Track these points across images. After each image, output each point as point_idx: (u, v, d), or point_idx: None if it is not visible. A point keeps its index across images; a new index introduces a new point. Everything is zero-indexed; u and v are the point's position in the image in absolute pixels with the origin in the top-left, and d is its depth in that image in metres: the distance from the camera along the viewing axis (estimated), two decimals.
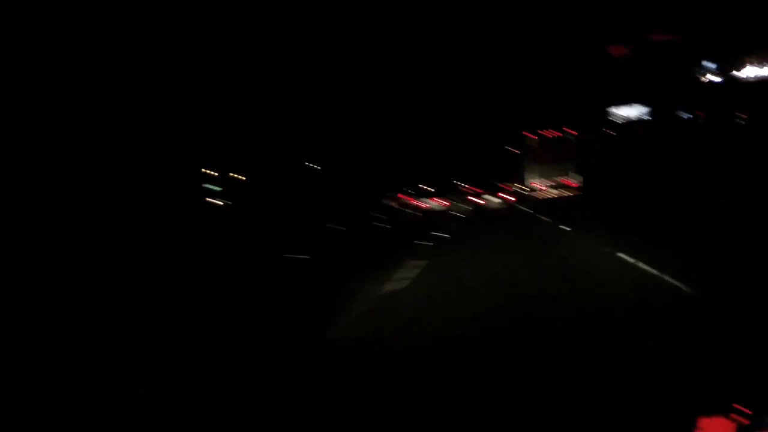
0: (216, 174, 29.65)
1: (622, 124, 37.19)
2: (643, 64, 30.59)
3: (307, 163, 37.91)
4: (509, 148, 55.64)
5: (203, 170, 28.89)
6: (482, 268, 10.16)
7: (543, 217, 23.98)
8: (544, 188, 41.66)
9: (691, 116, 31.14)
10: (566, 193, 39.35)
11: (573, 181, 40.22)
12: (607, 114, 37.80)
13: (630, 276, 7.66)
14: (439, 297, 7.76)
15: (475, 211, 40.92)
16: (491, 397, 1.74)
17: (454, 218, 33.05)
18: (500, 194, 54.23)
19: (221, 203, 29.15)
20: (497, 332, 4.44)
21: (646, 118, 36.72)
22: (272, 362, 2.22)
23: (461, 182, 63.12)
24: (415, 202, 51.53)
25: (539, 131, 43.43)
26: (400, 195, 52.36)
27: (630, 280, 7.32)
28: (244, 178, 31.56)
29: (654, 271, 7.51)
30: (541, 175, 42.58)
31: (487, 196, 53.92)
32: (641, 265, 8.15)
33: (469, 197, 53.99)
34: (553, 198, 38.59)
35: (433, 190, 56.65)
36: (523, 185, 48.07)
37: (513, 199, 50.20)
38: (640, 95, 35.74)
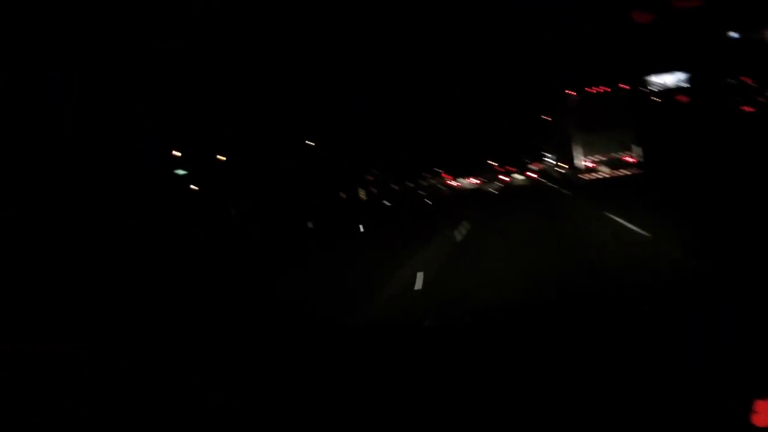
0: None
1: (660, 91, 34.17)
2: (670, 31, 27.12)
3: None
4: (544, 116, 47.36)
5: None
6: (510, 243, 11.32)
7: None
8: (592, 164, 29.51)
9: (736, 82, 28.71)
10: (621, 172, 28.77)
11: (630, 155, 29.01)
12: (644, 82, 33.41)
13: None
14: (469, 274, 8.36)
15: (502, 189, 43.36)
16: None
17: (482, 195, 36.41)
18: (527, 173, 57.06)
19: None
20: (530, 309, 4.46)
21: (686, 85, 33.58)
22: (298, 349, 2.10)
23: (495, 161, 69.51)
24: (452, 182, 57.49)
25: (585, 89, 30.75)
26: (443, 174, 59.96)
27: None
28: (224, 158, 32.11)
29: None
30: (590, 148, 29.80)
31: (515, 175, 57.00)
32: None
33: (499, 176, 58.57)
34: (603, 177, 28.87)
35: (469, 170, 62.25)
36: (565, 162, 36.48)
37: (535, 176, 53.47)
38: (672, 62, 32.86)
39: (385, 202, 35.54)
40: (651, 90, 34.50)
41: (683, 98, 32.52)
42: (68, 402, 1.14)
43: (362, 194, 45.96)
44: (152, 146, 24.69)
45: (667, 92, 34.09)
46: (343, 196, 42.00)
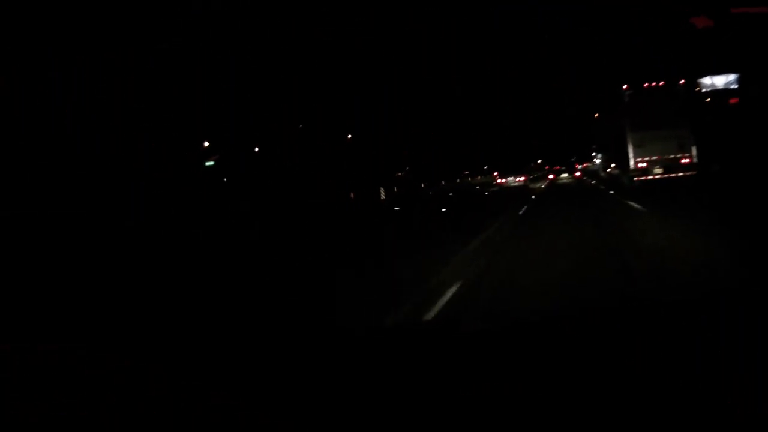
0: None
1: (710, 92, 33.73)
2: (728, 36, 24.67)
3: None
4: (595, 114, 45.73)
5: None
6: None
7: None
8: (644, 164, 27.20)
9: None
10: (676, 174, 26.77)
11: (687, 156, 26.85)
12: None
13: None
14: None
15: (545, 186, 46.21)
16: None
17: (525, 192, 37.58)
18: (575, 173, 59.45)
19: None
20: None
21: (735, 86, 33.27)
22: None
23: (543, 160, 73.64)
24: (501, 180, 61.70)
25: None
26: (495, 174, 63.81)
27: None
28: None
29: None
30: (643, 148, 27.34)
31: (563, 174, 59.55)
32: None
33: (548, 176, 61.68)
34: (656, 179, 26.92)
35: (517, 168, 65.82)
36: (615, 161, 33.74)
37: (580, 174, 56.37)
38: (727, 66, 32.26)
39: (395, 207, 32.37)
40: (701, 91, 33.75)
41: (734, 100, 32.04)
42: (68, 402, 1.14)
43: (383, 193, 44.13)
44: (152, 146, 24.70)
45: (718, 94, 33.58)
46: (353, 195, 40.67)
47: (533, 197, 30.80)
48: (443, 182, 63.95)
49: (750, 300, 2.13)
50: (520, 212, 19.99)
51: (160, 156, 25.61)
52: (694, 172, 26.00)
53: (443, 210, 26.80)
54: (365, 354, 1.92)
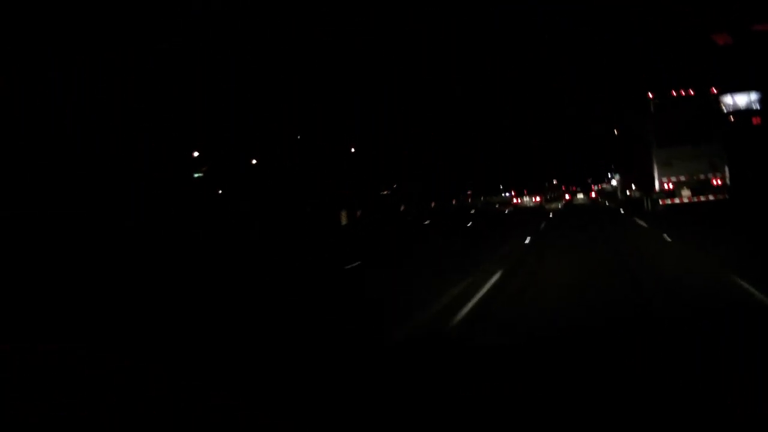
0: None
1: (732, 111, 31.57)
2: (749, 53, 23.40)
3: None
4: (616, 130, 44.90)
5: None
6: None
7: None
8: (670, 186, 23.64)
9: None
10: (707, 198, 23.49)
11: (719, 177, 23.58)
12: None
13: None
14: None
15: (562, 206, 47.57)
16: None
17: (541, 213, 37.14)
18: (591, 193, 59.87)
19: None
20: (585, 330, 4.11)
21: (757, 106, 31.36)
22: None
23: (561, 183, 74.61)
24: (516, 200, 63.20)
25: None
26: (513, 193, 66.72)
27: None
28: None
29: None
30: (669, 166, 23.63)
31: (579, 195, 60.12)
32: None
33: (564, 195, 62.64)
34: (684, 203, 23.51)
35: (534, 188, 66.68)
36: (637, 182, 30.35)
37: (595, 195, 56.35)
38: (748, 83, 30.08)
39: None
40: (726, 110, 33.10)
41: (757, 120, 31.45)
42: (68, 402, 1.14)
43: (344, 218, 34.69)
44: (152, 146, 24.70)
45: (740, 113, 32.99)
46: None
47: (527, 241, 18.08)
48: (433, 204, 56.39)
49: (750, 303, 2.13)
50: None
51: (160, 156, 25.61)
52: (726, 196, 22.98)
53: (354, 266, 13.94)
54: (369, 362, 1.92)
